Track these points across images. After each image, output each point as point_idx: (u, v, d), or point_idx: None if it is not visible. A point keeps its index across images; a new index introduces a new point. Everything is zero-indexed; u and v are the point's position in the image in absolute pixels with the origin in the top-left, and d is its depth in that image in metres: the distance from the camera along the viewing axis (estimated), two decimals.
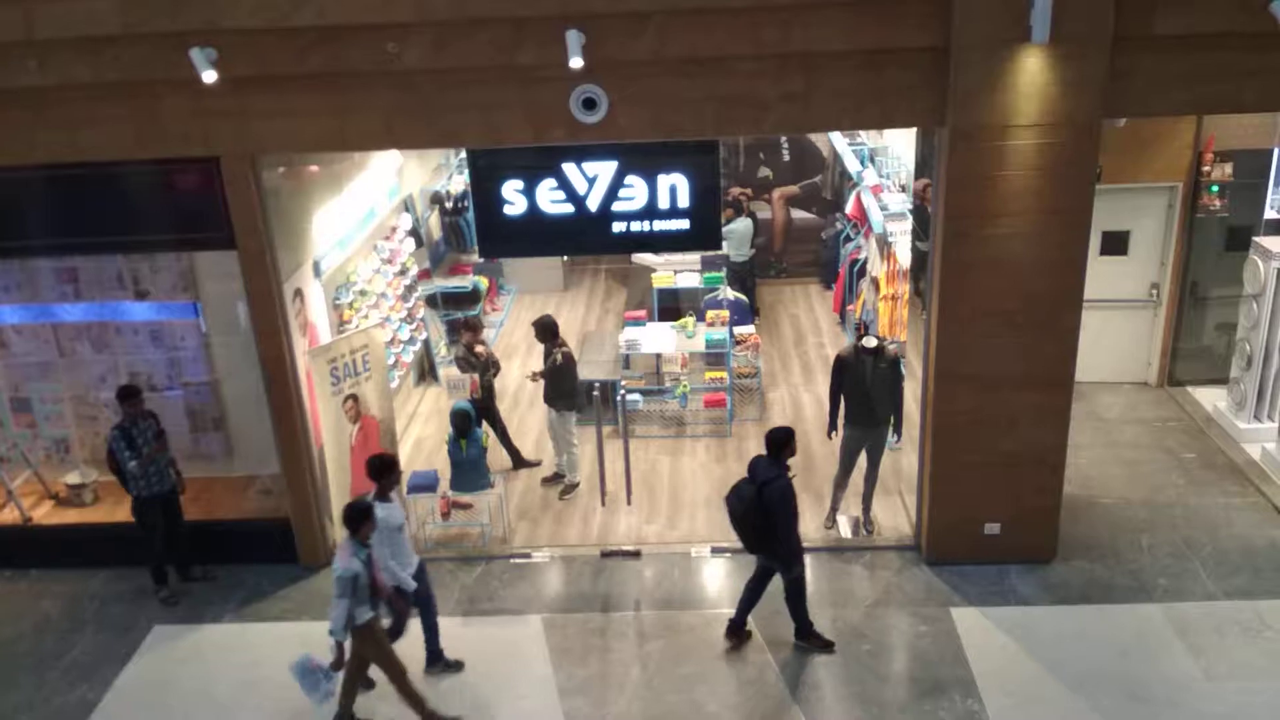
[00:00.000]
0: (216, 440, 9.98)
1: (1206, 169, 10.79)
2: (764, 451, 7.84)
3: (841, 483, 9.53)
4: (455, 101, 7.75)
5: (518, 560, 9.35)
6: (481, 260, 13.46)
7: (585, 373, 11.24)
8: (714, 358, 11.69)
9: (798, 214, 15.47)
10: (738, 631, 8.23)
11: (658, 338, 11.62)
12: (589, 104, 7.66)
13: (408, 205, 12.45)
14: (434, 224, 13.44)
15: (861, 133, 13.74)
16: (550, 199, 8.25)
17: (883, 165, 12.97)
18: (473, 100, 7.74)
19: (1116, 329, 11.65)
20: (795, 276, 15.54)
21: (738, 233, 13.50)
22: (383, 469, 7.52)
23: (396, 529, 7.50)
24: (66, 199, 8.41)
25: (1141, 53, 7.43)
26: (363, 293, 10.48)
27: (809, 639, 8.15)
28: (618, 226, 8.31)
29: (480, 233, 8.46)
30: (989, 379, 8.32)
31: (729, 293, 12.30)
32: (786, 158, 15.19)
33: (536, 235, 8.40)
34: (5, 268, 9.31)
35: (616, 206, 8.26)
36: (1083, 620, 8.27)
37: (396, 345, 11.43)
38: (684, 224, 8.29)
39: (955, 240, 7.98)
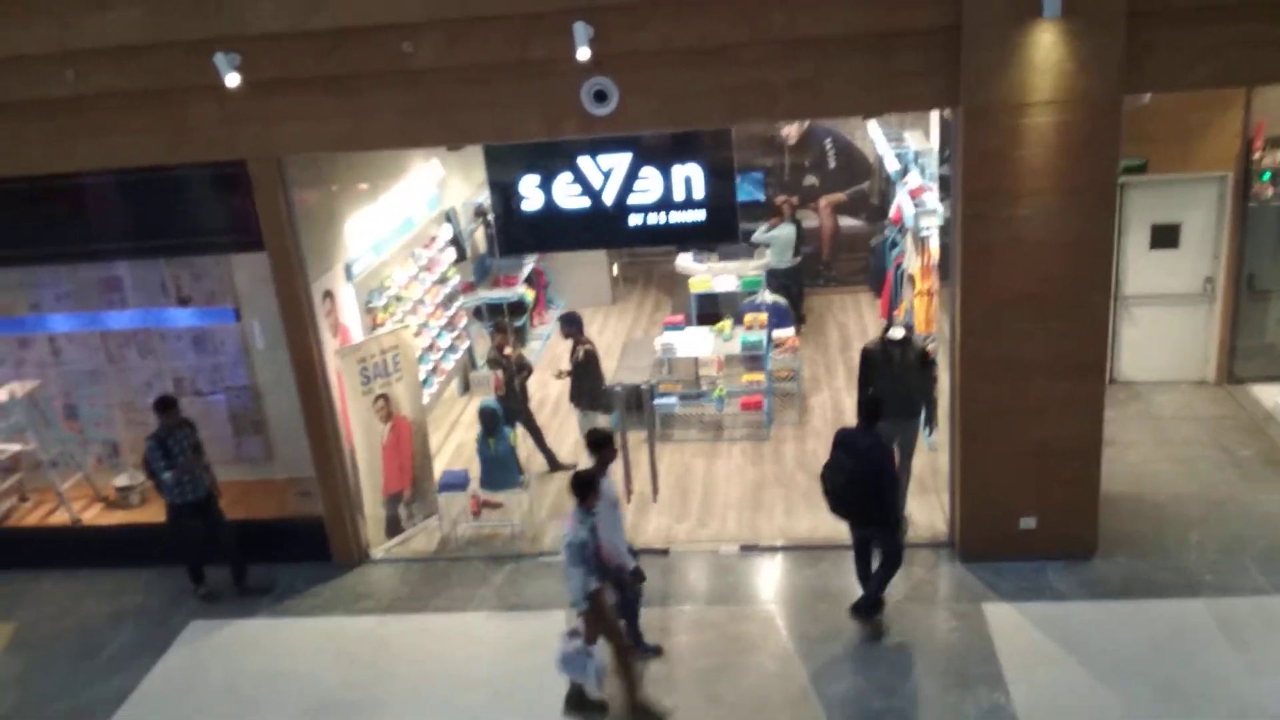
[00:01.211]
0: (257, 444, 10.20)
1: (1257, 156, 10.41)
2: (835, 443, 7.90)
3: None
4: (468, 98, 7.89)
5: (546, 559, 9.34)
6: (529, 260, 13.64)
7: (620, 377, 11.25)
8: (752, 361, 11.61)
9: (846, 221, 15.33)
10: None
11: (694, 341, 11.58)
12: (600, 96, 7.73)
13: (450, 217, 12.67)
14: (479, 238, 13.63)
15: (906, 135, 13.57)
16: (567, 194, 8.33)
17: (927, 167, 12.78)
18: (485, 97, 7.87)
19: (1170, 325, 11.27)
20: (845, 285, 15.38)
21: (780, 240, 13.44)
22: (600, 443, 7.58)
23: (612, 504, 7.53)
24: (103, 205, 8.77)
25: (1159, 26, 7.23)
26: (398, 298, 10.67)
27: (871, 614, 8.00)
28: (634, 219, 8.34)
29: (499, 230, 8.57)
30: (1016, 366, 8.10)
31: (768, 296, 12.22)
32: (833, 164, 15.06)
33: (554, 231, 8.48)
34: (53, 277, 9.69)
35: (632, 199, 8.30)
36: (1121, 615, 7.94)
37: (436, 352, 11.59)
38: (700, 215, 8.29)
39: (974, 222, 7.82)
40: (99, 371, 10.08)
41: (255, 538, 9.56)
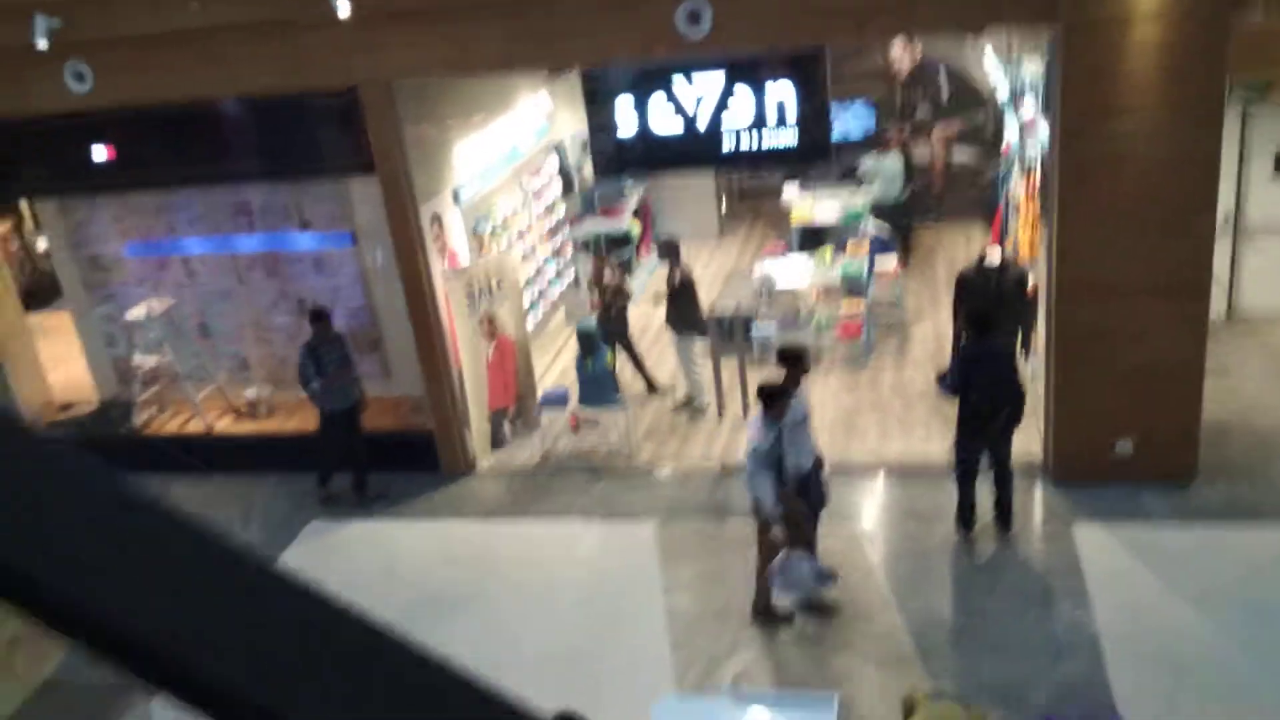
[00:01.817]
0: (374, 362, 10.75)
1: None
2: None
3: None
4: (565, 23, 8.10)
5: (641, 473, 9.67)
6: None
7: (719, 306, 11.41)
8: (852, 289, 11.61)
9: (959, 154, 15.04)
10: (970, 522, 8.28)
11: (794, 269, 11.65)
12: (693, 18, 7.85)
13: (558, 150, 12.97)
14: (587, 171, 13.89)
15: (1024, 60, 13.22)
16: (661, 115, 8.50)
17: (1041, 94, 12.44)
18: (582, 20, 8.07)
19: None
20: (957, 219, 15.11)
21: (887, 171, 13.32)
22: (793, 357, 7.54)
23: (799, 421, 7.31)
24: (230, 130, 9.35)
25: None
26: (505, 225, 11.04)
27: (1010, 526, 8.20)
28: (727, 142, 8.46)
29: (594, 153, 8.80)
30: (1115, 286, 7.97)
31: (871, 226, 12.18)
32: (946, 96, 14.78)
33: (649, 153, 8.66)
34: (187, 202, 10.37)
35: (725, 122, 8.41)
36: (1215, 540, 7.83)
37: (543, 279, 11.97)
38: (792, 137, 8.35)
39: (1073, 140, 7.70)
40: (229, 291, 10.77)
41: (373, 449, 10.12)
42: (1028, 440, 9.32)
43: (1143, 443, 8.39)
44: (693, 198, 15.44)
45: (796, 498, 7.32)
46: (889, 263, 11.83)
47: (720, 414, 10.37)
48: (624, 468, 9.82)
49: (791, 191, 13.68)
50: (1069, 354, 8.33)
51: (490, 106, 10.99)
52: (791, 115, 8.34)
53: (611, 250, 12.68)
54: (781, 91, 8.30)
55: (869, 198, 13.10)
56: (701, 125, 8.45)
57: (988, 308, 8.67)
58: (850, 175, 13.51)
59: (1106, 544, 7.93)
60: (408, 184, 9.09)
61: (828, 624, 7.48)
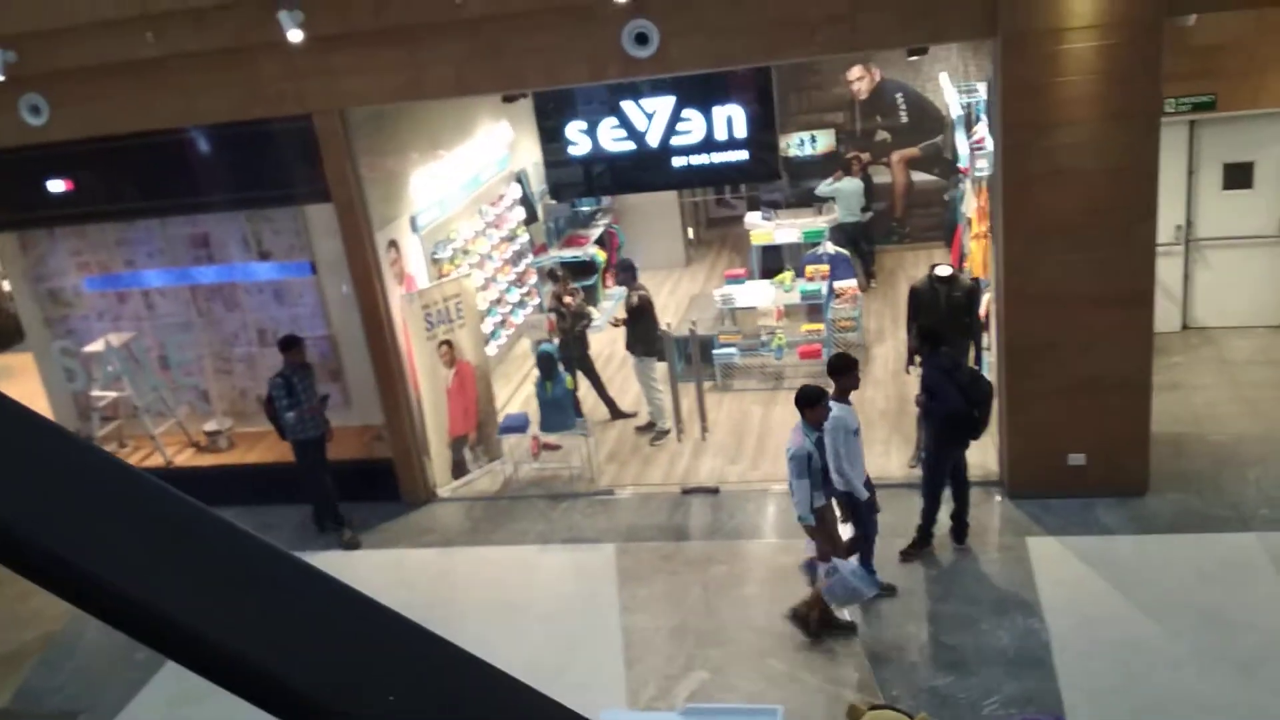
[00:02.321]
0: (335, 392, 10.72)
1: None
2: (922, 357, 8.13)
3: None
4: (517, 46, 8.20)
5: (601, 497, 9.67)
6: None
7: (678, 329, 11.47)
8: (814, 311, 11.69)
9: (918, 176, 15.20)
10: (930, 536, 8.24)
11: (754, 292, 11.73)
12: (641, 39, 7.95)
13: (520, 179, 13.05)
14: (550, 200, 13.96)
15: (979, 86, 13.41)
16: (612, 138, 8.59)
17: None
18: (534, 43, 8.16)
19: (1246, 268, 10.95)
20: (918, 241, 15.26)
21: (845, 193, 13.44)
22: (842, 368, 7.41)
23: (852, 432, 7.26)
24: (186, 161, 9.38)
25: None
26: (465, 251, 11.08)
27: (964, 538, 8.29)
28: (678, 161, 8.56)
29: (550, 177, 8.87)
30: (1060, 298, 8.07)
31: (830, 248, 12.28)
32: (905, 119, 14.95)
33: (602, 175, 8.74)
34: (146, 235, 10.37)
35: (675, 141, 8.51)
36: (1168, 548, 7.88)
37: (504, 306, 11.99)
38: (742, 155, 8.45)
39: (1015, 153, 7.82)
40: (189, 324, 10.75)
41: (333, 479, 10.07)
42: (983, 454, 9.41)
43: (1095, 455, 8.45)
44: (659, 226, 15.53)
45: (832, 509, 7.30)
46: (848, 284, 11.92)
47: (680, 437, 10.38)
48: (583, 491, 9.81)
49: (754, 219, 13.78)
50: (1019, 367, 8.40)
51: (450, 136, 11.06)
52: (741, 133, 8.45)
53: (575, 275, 12.71)
54: (731, 111, 8.41)
55: (830, 220, 13.20)
56: (653, 146, 8.54)
57: (938, 320, 8.78)
58: (810, 200, 13.64)
59: (1060, 555, 7.96)
60: (363, 210, 9.13)
61: (847, 640, 7.44)
